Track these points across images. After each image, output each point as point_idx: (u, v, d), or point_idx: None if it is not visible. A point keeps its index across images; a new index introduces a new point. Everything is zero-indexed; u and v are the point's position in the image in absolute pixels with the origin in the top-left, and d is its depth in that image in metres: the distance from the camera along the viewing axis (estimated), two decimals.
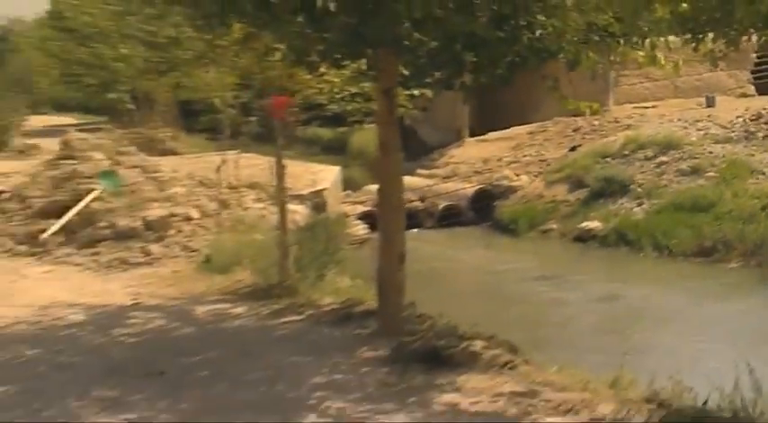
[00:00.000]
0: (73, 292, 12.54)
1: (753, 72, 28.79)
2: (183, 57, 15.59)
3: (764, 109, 26.25)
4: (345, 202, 22.39)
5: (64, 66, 29.71)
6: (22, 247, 15.09)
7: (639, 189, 23.16)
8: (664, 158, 23.91)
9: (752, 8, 5.56)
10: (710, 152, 23.82)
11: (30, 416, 7.76)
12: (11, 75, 40.14)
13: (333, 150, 28.06)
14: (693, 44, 7.20)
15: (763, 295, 16.76)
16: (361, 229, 20.09)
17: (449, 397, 7.85)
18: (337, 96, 13.73)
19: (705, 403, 7.30)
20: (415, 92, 10.61)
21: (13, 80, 40.15)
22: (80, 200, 15.57)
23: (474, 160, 28.11)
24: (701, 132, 25.31)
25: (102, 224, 15.27)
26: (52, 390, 8.46)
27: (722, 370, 7.49)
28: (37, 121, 34.12)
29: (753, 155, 23.13)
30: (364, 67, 10.40)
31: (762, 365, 7.27)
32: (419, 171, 26.56)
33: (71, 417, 7.78)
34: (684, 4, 6.21)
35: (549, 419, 7.28)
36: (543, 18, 8.62)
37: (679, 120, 26.64)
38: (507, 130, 29.53)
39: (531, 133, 28.68)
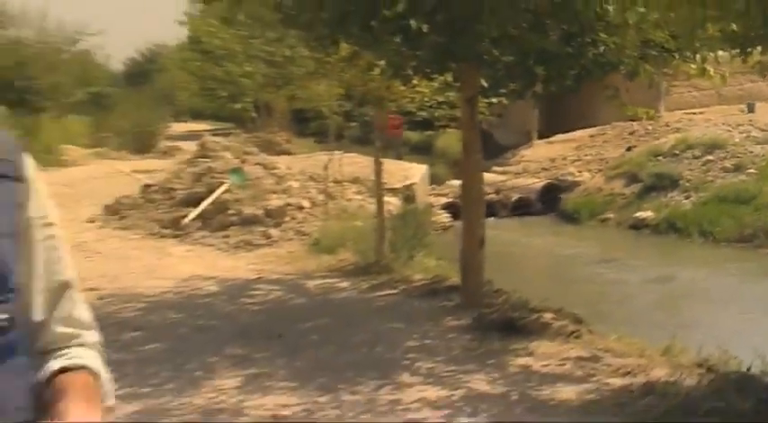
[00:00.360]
0: (208, 267, 12.71)
1: None
2: (297, 72, 15.68)
3: None
4: (431, 195, 22.21)
5: (200, 82, 30.13)
6: (167, 231, 15.33)
7: (687, 184, 22.80)
8: (709, 157, 23.52)
9: None
10: (751, 152, 23.42)
11: (175, 369, 7.89)
12: (158, 90, 41.14)
13: (420, 151, 28.06)
14: (742, 57, 7.09)
15: None
16: (444, 217, 19.96)
17: (522, 360, 7.83)
18: (426, 104, 13.70)
19: (749, 369, 7.17)
20: (493, 100, 10.54)
21: (159, 94, 41.41)
22: (213, 191, 15.77)
23: (542, 159, 27.87)
24: (743, 135, 24.87)
25: (230, 212, 15.42)
26: (193, 348, 8.62)
27: (765, 341, 7.37)
28: (178, 127, 34.52)
29: None
30: (450, 79, 10.44)
31: None
32: (494, 168, 26.34)
33: (208, 370, 7.93)
34: (734, 23, 6.12)
35: (609, 381, 7.23)
36: (606, 36, 8.56)
37: (723, 124, 26.17)
38: (571, 133, 29.19)
39: (591, 136, 28.35)
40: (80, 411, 1.48)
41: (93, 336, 1.70)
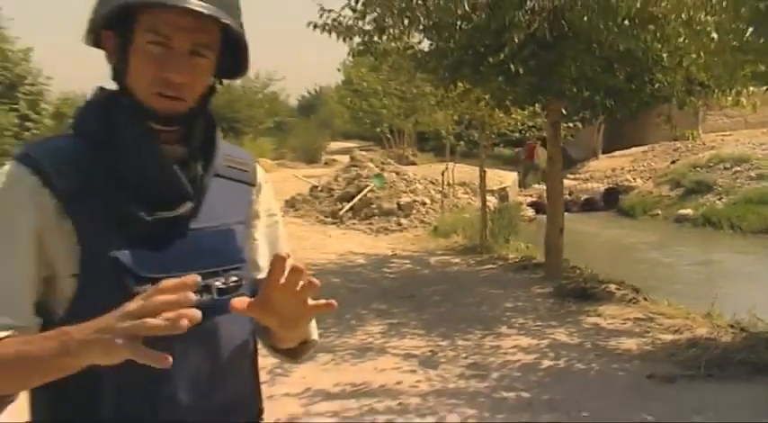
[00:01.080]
0: (357, 245, 12.98)
1: None
2: (422, 105, 15.71)
3: None
4: (519, 195, 22.31)
5: (351, 112, 30.96)
6: (328, 219, 15.72)
7: (720, 188, 22.50)
8: (738, 168, 23.13)
9: None
10: None
11: (336, 318, 7.83)
12: (321, 118, 43.29)
13: (511, 163, 28.09)
14: None
15: None
16: (529, 212, 19.85)
17: (592, 319, 7.79)
18: (519, 127, 13.70)
19: None
20: (570, 124, 10.42)
21: (322, 122, 43.15)
22: (361, 191, 16.08)
23: (604, 169, 27.82)
24: (765, 151, 24.50)
25: (373, 206, 15.71)
26: (348, 303, 8.58)
27: None
28: (335, 145, 35.84)
29: None
30: (539, 108, 10.46)
31: None
32: (568, 176, 26.09)
33: (360, 320, 8.05)
34: (763, 67, 5.88)
35: (661, 336, 7.13)
36: (661, 76, 8.40)
37: (749, 143, 25.78)
38: (628, 150, 29.00)
39: (644, 152, 28.11)
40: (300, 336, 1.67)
41: None
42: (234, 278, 1.55)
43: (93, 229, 1.42)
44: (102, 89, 1.54)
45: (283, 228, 1.85)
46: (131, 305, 1.21)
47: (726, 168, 23.31)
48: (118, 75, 1.49)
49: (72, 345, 1.27)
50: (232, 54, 1.54)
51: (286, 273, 1.37)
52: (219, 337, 1.54)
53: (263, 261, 1.69)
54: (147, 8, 1.41)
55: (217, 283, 1.52)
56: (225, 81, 1.62)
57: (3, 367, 1.32)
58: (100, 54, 1.52)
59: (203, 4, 1.41)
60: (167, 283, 1.21)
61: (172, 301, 1.18)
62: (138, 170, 1.47)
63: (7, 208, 1.40)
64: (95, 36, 1.50)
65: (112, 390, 1.41)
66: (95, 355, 1.25)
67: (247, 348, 1.63)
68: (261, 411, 1.70)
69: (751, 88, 6.96)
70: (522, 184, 25.69)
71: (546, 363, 6.47)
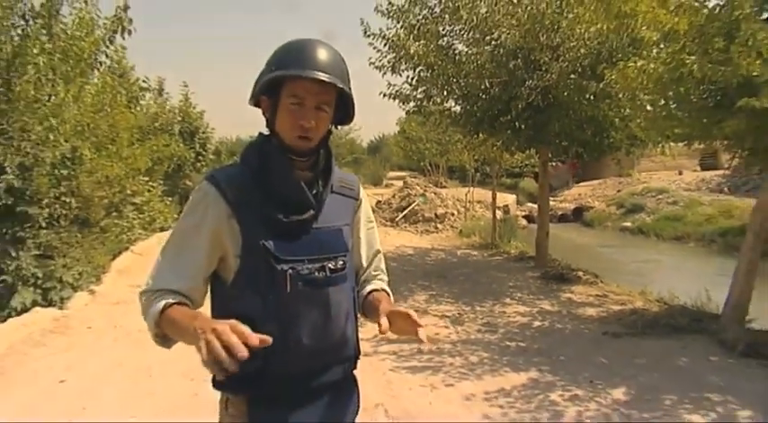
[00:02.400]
0: (407, 241, 12.80)
1: (700, 160, 27.73)
2: (453, 147, 15.77)
3: (702, 179, 25.03)
4: (517, 210, 21.93)
5: (404, 152, 29.80)
6: (388, 223, 15.50)
7: (648, 209, 22.14)
8: (660, 196, 22.77)
9: (719, 131, 5.24)
10: (682, 194, 22.62)
11: (394, 290, 7.92)
12: (383, 156, 40.66)
13: (512, 188, 27.75)
14: (684, 145, 6.81)
15: (710, 258, 15.66)
16: (523, 222, 19.56)
17: (567, 295, 7.72)
18: (520, 164, 13.61)
19: (685, 304, 6.92)
20: (554, 162, 10.32)
21: (384, 158, 40.55)
22: (410, 205, 15.92)
23: (574, 195, 27.32)
24: (676, 185, 24.22)
25: (418, 215, 15.53)
26: (402, 280, 8.51)
27: (693, 289, 7.08)
28: (392, 174, 34.88)
29: (701, 196, 22.01)
30: (533, 152, 10.31)
31: (713, 288, 6.82)
32: (550, 198, 26.17)
33: (409, 291, 7.94)
34: (680, 130, 5.90)
35: (612, 307, 7.09)
36: (614, 134, 8.31)
37: (667, 180, 25.49)
38: (590, 182, 28.51)
39: (600, 183, 27.56)
40: (389, 307, 1.60)
41: (385, 276, 1.86)
42: (341, 262, 1.61)
43: (251, 226, 1.50)
44: (260, 134, 1.62)
45: (377, 230, 1.88)
46: (221, 327, 1.23)
47: (652, 196, 23.27)
48: (270, 124, 1.58)
49: (192, 331, 1.30)
50: (344, 108, 1.62)
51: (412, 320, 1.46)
52: (329, 302, 1.58)
53: (364, 252, 1.79)
54: (290, 79, 1.51)
55: (329, 265, 1.58)
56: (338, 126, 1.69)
57: (169, 327, 1.45)
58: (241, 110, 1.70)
59: (326, 74, 1.49)
60: (243, 329, 1.23)
61: (233, 344, 1.20)
62: (280, 188, 1.55)
63: (200, 210, 1.52)
64: (256, 100, 1.59)
65: (258, 316, 1.46)
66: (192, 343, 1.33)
67: (349, 311, 1.66)
68: (359, 353, 1.73)
69: (671, 144, 6.97)
70: (552, 189, 25.49)
71: (536, 323, 6.46)
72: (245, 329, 1.23)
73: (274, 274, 1.50)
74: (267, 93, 1.55)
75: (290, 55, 1.54)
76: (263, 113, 1.60)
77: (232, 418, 1.58)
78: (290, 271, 1.51)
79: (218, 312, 1.52)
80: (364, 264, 1.81)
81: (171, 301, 1.48)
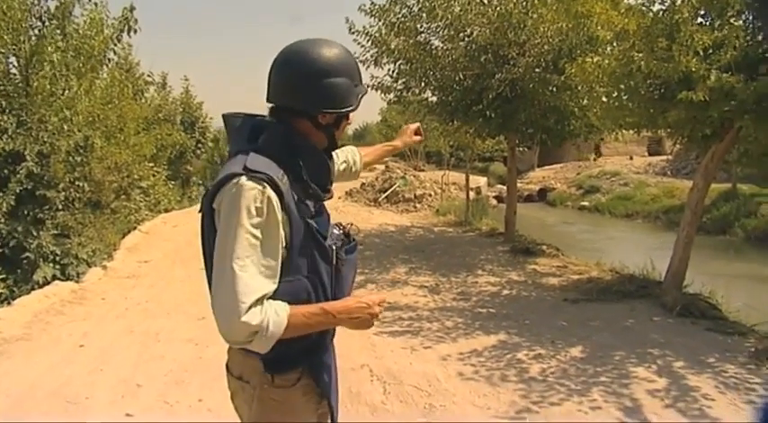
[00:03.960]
0: (389, 220, 12.66)
1: (648, 146, 28.14)
2: (431, 134, 15.68)
3: (650, 164, 25.42)
4: (488, 191, 21.88)
5: (385, 139, 29.65)
6: (371, 204, 15.27)
7: (604, 190, 22.36)
8: (614, 179, 23.01)
9: (663, 120, 5.34)
10: (632, 177, 22.86)
11: (377, 262, 7.89)
12: (366, 142, 38.82)
13: (483, 171, 27.75)
14: (634, 133, 6.89)
15: (656, 233, 15.93)
16: (493, 201, 19.41)
17: (532, 267, 7.71)
18: (491, 149, 13.54)
19: (633, 272, 7.04)
20: (521, 148, 10.25)
21: (367, 144, 39.08)
22: (391, 187, 15.68)
23: (539, 177, 27.34)
24: (628, 169, 24.46)
25: (399, 196, 15.25)
26: (384, 254, 8.58)
27: (640, 259, 7.22)
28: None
29: (648, 179, 22.30)
30: (503, 138, 10.20)
31: (657, 258, 6.95)
32: (517, 181, 26.36)
33: (391, 264, 7.92)
34: (631, 119, 5.98)
35: (572, 276, 7.13)
36: (575, 122, 8.29)
37: (620, 164, 25.77)
38: (553, 165, 28.51)
39: (562, 167, 27.56)
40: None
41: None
42: (349, 227, 1.63)
43: (296, 213, 1.40)
44: (273, 123, 1.49)
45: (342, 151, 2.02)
46: (375, 305, 1.47)
47: (607, 178, 23.55)
48: (320, 133, 1.51)
49: (336, 321, 1.43)
50: None
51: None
52: (356, 262, 1.62)
53: (342, 160, 2.02)
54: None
55: (352, 232, 1.62)
56: None
57: (294, 330, 1.35)
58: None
59: None
60: (384, 297, 1.51)
61: (378, 312, 1.47)
62: (317, 174, 1.48)
63: (264, 209, 1.33)
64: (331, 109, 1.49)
65: (315, 291, 1.45)
66: (352, 327, 1.47)
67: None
68: None
69: (624, 131, 7.04)
70: (519, 172, 25.36)
71: (504, 292, 6.47)
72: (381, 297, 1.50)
73: (323, 251, 1.45)
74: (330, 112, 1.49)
75: (356, 67, 1.52)
76: (317, 121, 1.49)
77: (279, 389, 1.47)
78: (334, 245, 1.50)
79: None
80: (342, 159, 2.00)
81: (285, 306, 1.36)
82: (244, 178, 1.33)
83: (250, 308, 1.28)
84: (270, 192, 1.34)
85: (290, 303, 1.35)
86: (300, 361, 1.48)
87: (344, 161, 2.02)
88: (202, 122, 18.67)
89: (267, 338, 1.31)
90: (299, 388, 1.49)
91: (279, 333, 1.32)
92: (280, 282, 1.37)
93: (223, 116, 1.54)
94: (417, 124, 2.27)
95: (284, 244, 1.38)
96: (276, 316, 1.31)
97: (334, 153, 1.84)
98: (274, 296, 1.36)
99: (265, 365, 1.44)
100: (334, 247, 1.48)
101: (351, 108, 1.50)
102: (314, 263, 1.44)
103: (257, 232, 1.32)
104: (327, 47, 1.48)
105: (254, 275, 1.30)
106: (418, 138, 2.24)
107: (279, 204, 1.35)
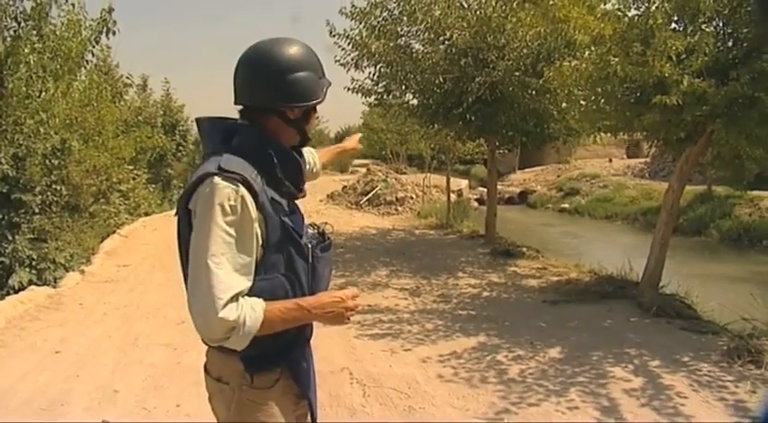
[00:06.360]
0: (370, 222, 12.64)
1: (627, 148, 28.65)
2: (412, 138, 15.61)
3: (628, 166, 25.81)
4: (469, 194, 21.92)
5: (367, 142, 29.22)
6: (353, 206, 15.21)
7: (583, 192, 22.63)
8: (593, 181, 23.32)
9: (639, 123, 5.42)
10: (611, 179, 23.18)
11: (358, 265, 7.92)
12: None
13: (464, 174, 27.80)
14: (611, 135, 6.98)
15: (634, 234, 16.11)
16: (475, 204, 19.44)
17: (512, 269, 7.76)
18: (471, 152, 13.60)
19: (612, 273, 7.11)
20: (501, 150, 10.28)
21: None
22: (373, 190, 15.61)
23: (520, 179, 27.60)
24: (607, 171, 24.81)
25: (381, 199, 15.19)
26: (365, 256, 8.54)
27: (618, 260, 7.29)
28: (357, 161, 33.78)
29: (626, 181, 22.61)
30: (483, 141, 10.26)
31: (635, 259, 7.03)
32: (498, 183, 26.54)
33: (372, 267, 7.91)
34: (608, 122, 6.07)
35: (551, 278, 7.19)
36: (554, 125, 8.38)
37: (599, 166, 26.09)
38: (534, 168, 28.76)
39: (542, 169, 27.87)
40: None
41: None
42: (323, 226, 1.62)
43: (271, 212, 1.40)
44: (243, 125, 1.50)
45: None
46: (348, 300, 1.45)
47: (587, 180, 23.83)
48: (289, 128, 1.51)
49: (311, 316, 1.44)
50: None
51: None
52: (331, 260, 1.63)
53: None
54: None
55: (327, 230, 1.61)
56: None
57: (270, 325, 1.36)
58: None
59: None
60: (357, 292, 1.49)
61: (357, 305, 1.48)
62: (289, 172, 1.48)
63: (236, 207, 1.34)
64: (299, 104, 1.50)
65: (293, 288, 1.46)
66: (327, 322, 1.46)
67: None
68: None
69: (602, 134, 7.12)
70: (499, 175, 25.37)
71: (485, 294, 6.49)
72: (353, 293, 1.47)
73: (300, 248, 1.46)
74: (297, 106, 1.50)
75: (318, 62, 1.54)
76: (286, 116, 1.50)
77: (258, 390, 1.48)
78: (309, 243, 1.50)
79: None
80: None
81: (261, 302, 1.36)
82: (217, 178, 1.35)
83: (227, 304, 1.29)
84: (243, 191, 1.35)
85: (267, 301, 1.37)
86: (279, 361, 1.50)
87: (306, 162, 2.04)
88: (183, 125, 18.53)
89: (244, 334, 1.32)
90: (278, 389, 1.50)
91: (255, 328, 1.32)
92: (257, 279, 1.38)
93: (196, 120, 1.55)
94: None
95: (261, 242, 1.39)
96: (252, 311, 1.32)
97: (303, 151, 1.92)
98: (252, 294, 1.36)
99: (245, 365, 1.45)
100: (310, 245, 1.49)
101: (317, 100, 1.52)
102: (291, 260, 1.45)
103: (231, 230, 1.33)
104: (288, 44, 1.50)
105: (229, 272, 1.31)
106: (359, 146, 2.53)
107: (253, 203, 1.36)
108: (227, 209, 1.33)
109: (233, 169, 1.36)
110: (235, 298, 1.31)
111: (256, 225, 1.38)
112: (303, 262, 1.47)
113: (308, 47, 1.54)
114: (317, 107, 1.55)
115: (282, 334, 1.42)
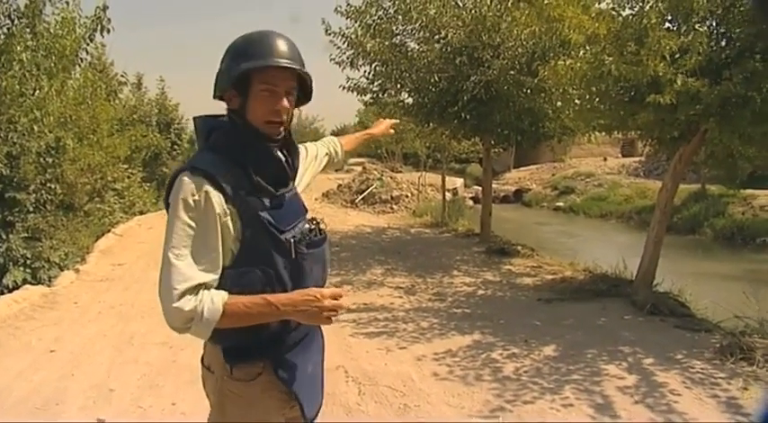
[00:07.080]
0: (366, 221, 12.66)
1: (621, 147, 28.76)
2: (407, 136, 15.55)
3: (623, 165, 25.89)
4: (465, 192, 21.92)
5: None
6: (348, 205, 15.26)
7: (578, 191, 22.70)
8: (588, 180, 23.41)
9: (633, 122, 5.44)
10: (606, 178, 23.25)
11: (354, 264, 7.92)
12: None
13: (460, 173, 27.86)
14: (605, 134, 7.00)
15: (628, 233, 16.13)
16: (470, 202, 19.43)
17: (507, 267, 7.79)
18: (467, 151, 13.57)
19: (606, 272, 7.12)
20: (496, 149, 10.29)
21: None
22: (368, 188, 15.70)
23: (515, 178, 27.62)
24: (602, 170, 24.85)
25: (376, 197, 15.29)
26: (361, 255, 8.57)
27: (613, 258, 7.32)
28: (352, 160, 33.72)
29: (621, 179, 22.67)
30: (478, 140, 10.24)
31: (629, 258, 7.05)
32: (493, 181, 26.54)
33: (368, 265, 7.93)
34: (603, 121, 6.08)
35: (546, 276, 7.21)
36: (549, 124, 8.38)
37: (594, 165, 26.13)
38: (529, 167, 28.81)
39: (537, 168, 27.90)
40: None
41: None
42: (321, 222, 1.59)
43: (247, 206, 1.41)
44: (219, 120, 1.49)
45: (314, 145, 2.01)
46: (325, 299, 1.38)
47: (581, 179, 23.93)
48: (240, 114, 1.46)
49: (280, 313, 1.38)
50: (302, 91, 1.55)
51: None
52: (324, 256, 1.58)
53: (317, 152, 1.99)
54: (259, 69, 1.42)
55: (321, 226, 1.58)
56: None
57: (233, 318, 1.35)
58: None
59: (291, 61, 1.44)
60: (340, 292, 1.40)
61: (340, 305, 1.40)
62: (264, 168, 1.46)
63: (199, 202, 1.36)
64: (222, 93, 1.48)
65: (270, 283, 1.43)
66: (303, 320, 1.42)
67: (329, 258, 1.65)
68: None
69: (596, 133, 7.14)
70: (495, 173, 25.54)
71: (480, 292, 6.51)
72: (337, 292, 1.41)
73: (279, 244, 1.44)
74: (235, 85, 1.44)
75: (253, 46, 1.45)
76: (229, 105, 1.48)
77: (238, 382, 1.48)
78: (293, 238, 1.47)
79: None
80: (324, 151, 2.04)
81: (224, 295, 1.36)
82: (184, 174, 1.40)
83: (183, 294, 1.32)
84: (208, 186, 1.37)
85: (241, 294, 1.37)
86: (260, 355, 1.48)
87: (327, 153, 2.07)
88: (178, 123, 18.48)
89: (203, 324, 1.33)
90: (259, 384, 1.48)
91: (214, 320, 1.34)
92: (233, 273, 1.40)
93: (193, 119, 1.56)
94: (396, 121, 2.48)
95: (237, 236, 1.41)
96: (211, 303, 1.33)
97: (307, 145, 1.95)
98: (226, 287, 1.38)
99: (224, 355, 1.47)
100: (291, 241, 1.46)
101: (224, 89, 1.47)
102: (268, 255, 1.43)
103: (193, 224, 1.36)
104: (252, 34, 1.49)
105: (189, 265, 1.34)
106: (392, 131, 2.48)
107: (222, 198, 1.38)
108: (191, 204, 1.36)
109: (201, 166, 1.40)
110: (194, 289, 1.33)
111: (227, 219, 1.39)
112: (283, 258, 1.45)
113: (257, 34, 1.48)
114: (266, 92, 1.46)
115: (263, 328, 1.42)
